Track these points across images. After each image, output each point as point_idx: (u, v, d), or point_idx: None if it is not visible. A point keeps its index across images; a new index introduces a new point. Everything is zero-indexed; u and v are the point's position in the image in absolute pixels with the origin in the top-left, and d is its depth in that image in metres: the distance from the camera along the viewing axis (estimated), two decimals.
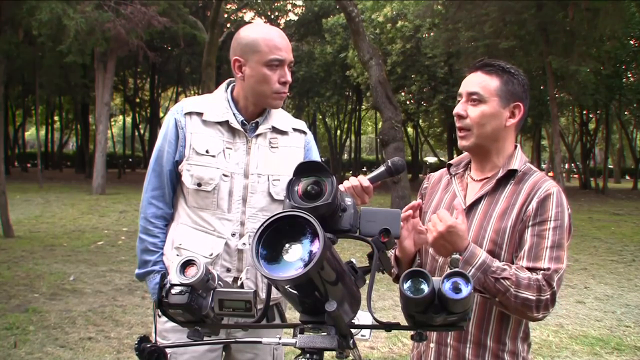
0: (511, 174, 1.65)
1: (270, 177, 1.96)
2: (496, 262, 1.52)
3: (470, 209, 1.66)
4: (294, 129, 2.06)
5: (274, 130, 2.00)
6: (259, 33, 1.90)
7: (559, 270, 1.53)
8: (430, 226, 1.52)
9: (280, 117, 2.04)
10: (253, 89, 1.92)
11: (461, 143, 1.69)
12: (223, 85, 2.05)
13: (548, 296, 1.50)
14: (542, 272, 1.51)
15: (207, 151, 1.92)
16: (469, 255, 1.49)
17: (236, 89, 2.00)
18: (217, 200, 1.91)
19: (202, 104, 1.99)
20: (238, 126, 1.95)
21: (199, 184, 1.91)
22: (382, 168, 1.77)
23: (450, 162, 1.83)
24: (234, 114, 1.96)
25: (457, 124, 1.68)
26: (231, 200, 1.92)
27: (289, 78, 1.92)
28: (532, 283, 1.49)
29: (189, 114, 1.95)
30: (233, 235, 1.92)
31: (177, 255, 1.92)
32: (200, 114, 1.95)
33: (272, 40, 1.87)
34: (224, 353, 2.02)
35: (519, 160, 1.67)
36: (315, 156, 2.14)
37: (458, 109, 1.66)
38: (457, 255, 1.38)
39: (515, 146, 1.72)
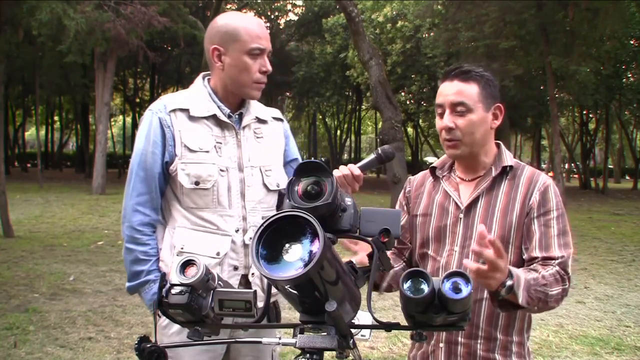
0: (504, 171, 1.69)
1: (262, 168, 1.94)
2: (529, 274, 1.51)
3: (469, 208, 1.67)
4: (273, 118, 2.06)
5: (258, 120, 1.99)
6: (238, 22, 1.87)
7: (570, 255, 1.60)
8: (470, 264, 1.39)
9: (259, 107, 2.02)
10: (233, 78, 1.88)
11: (451, 152, 1.68)
12: (199, 79, 1.98)
13: (567, 284, 1.56)
14: (556, 261, 1.56)
15: (200, 147, 1.86)
16: (515, 280, 1.43)
17: (213, 81, 1.94)
18: (217, 197, 1.86)
19: (185, 99, 1.91)
20: (226, 119, 1.90)
21: (197, 182, 1.84)
22: (372, 156, 1.78)
23: (434, 165, 1.82)
24: (218, 107, 1.91)
25: (446, 136, 1.65)
26: (230, 195, 1.88)
27: (269, 67, 1.89)
28: (557, 277, 1.54)
29: (174, 111, 1.88)
30: (237, 231, 1.88)
31: None
32: (185, 110, 1.88)
33: (252, 29, 1.85)
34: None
35: (508, 156, 1.71)
36: (293, 144, 2.12)
37: (446, 121, 1.64)
38: (510, 283, 1.40)
39: (498, 144, 1.75)
